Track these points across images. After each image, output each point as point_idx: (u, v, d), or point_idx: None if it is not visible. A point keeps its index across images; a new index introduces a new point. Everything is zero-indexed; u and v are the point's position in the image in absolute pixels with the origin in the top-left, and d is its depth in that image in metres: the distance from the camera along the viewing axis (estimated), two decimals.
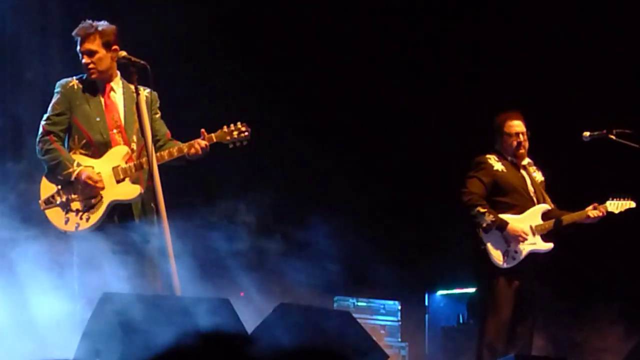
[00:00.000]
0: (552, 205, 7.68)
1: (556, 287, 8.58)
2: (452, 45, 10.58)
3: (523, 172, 7.72)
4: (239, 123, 6.60)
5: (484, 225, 7.37)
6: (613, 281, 9.54)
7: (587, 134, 7.80)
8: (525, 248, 7.43)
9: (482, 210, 7.40)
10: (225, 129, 6.56)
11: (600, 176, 8.88)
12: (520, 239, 7.40)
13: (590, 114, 8.57)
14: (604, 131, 7.77)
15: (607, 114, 8.16)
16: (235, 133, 6.56)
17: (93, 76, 6.42)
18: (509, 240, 7.41)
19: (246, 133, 6.57)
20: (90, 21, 6.43)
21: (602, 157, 8.44)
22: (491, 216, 7.39)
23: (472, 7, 10.58)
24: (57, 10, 8.67)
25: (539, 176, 7.81)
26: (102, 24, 6.42)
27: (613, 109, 8.83)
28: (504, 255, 7.40)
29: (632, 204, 7.80)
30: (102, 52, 6.39)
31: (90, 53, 6.38)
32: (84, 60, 6.40)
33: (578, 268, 9.62)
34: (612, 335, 8.70)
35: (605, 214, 7.67)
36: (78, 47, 6.42)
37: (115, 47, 6.39)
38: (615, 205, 7.74)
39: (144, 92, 6.51)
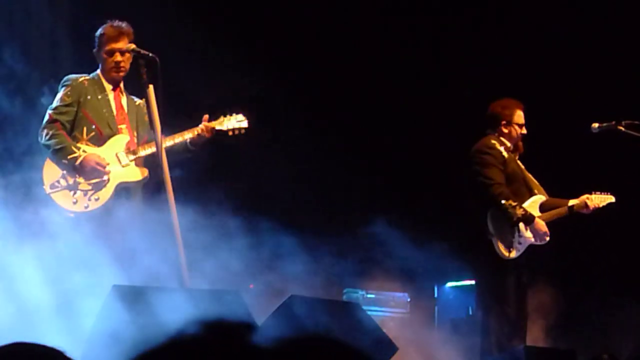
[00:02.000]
0: (546, 196, 7.66)
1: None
2: (459, 31, 10.56)
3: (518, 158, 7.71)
4: (234, 114, 6.90)
5: (514, 219, 7.30)
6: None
7: (595, 125, 7.77)
8: (529, 240, 7.43)
9: (513, 203, 7.32)
10: (222, 118, 6.85)
11: (589, 168, 8.90)
12: (544, 236, 7.39)
13: (593, 106, 8.58)
14: (613, 122, 7.74)
15: (612, 106, 8.17)
16: (234, 122, 6.88)
17: (121, 74, 6.61)
18: (533, 233, 7.38)
19: (244, 122, 6.88)
20: (118, 21, 6.59)
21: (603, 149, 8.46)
22: (521, 210, 7.32)
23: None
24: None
25: (521, 164, 7.76)
26: (128, 25, 6.59)
27: (621, 101, 8.82)
28: (511, 247, 7.38)
29: (612, 199, 7.80)
30: (129, 52, 6.52)
31: (122, 52, 6.54)
32: (114, 59, 6.56)
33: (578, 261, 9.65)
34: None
35: (599, 205, 7.69)
36: (106, 46, 6.55)
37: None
38: (599, 199, 7.74)
39: (142, 101, 6.74)
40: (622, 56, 9.79)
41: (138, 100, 6.76)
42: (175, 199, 6.09)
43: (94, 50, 6.67)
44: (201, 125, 6.75)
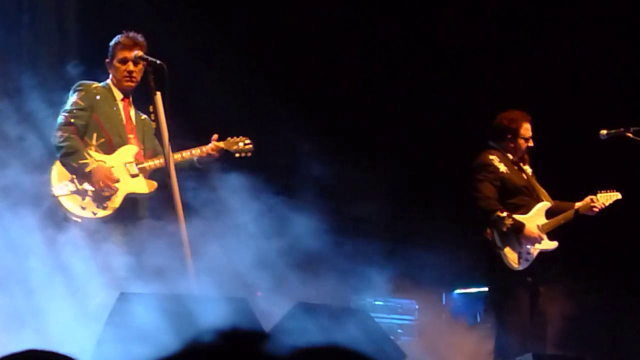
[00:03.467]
0: (550, 200, 7.67)
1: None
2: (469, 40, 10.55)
3: (520, 169, 7.71)
4: (241, 137, 7.01)
5: (504, 229, 7.34)
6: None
7: (604, 132, 7.78)
8: (536, 248, 7.44)
9: (500, 215, 7.37)
10: (230, 139, 6.93)
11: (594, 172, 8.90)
12: (538, 240, 7.40)
13: (601, 112, 8.57)
14: (622, 129, 7.75)
15: (620, 113, 8.17)
16: (240, 144, 6.96)
17: (132, 84, 6.63)
18: (525, 242, 7.40)
19: (250, 146, 6.98)
20: (133, 32, 6.63)
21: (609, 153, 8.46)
22: (510, 220, 7.36)
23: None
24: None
25: (528, 169, 7.77)
26: (142, 37, 6.64)
27: (630, 107, 8.81)
28: (519, 258, 7.40)
29: (618, 196, 7.81)
30: (142, 63, 6.54)
31: (136, 62, 6.56)
32: (126, 67, 6.58)
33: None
34: None
35: (605, 205, 7.69)
36: (120, 54, 6.58)
37: None
38: (605, 198, 7.75)
39: (143, 116, 6.78)
40: (632, 62, 9.77)
41: (143, 115, 6.79)
42: None
43: (107, 60, 6.69)
44: (211, 145, 6.80)
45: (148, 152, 6.71)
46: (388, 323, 9.81)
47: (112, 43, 6.66)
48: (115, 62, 6.62)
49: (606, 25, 9.98)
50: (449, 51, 10.50)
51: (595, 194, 7.75)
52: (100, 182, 6.40)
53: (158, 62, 6.37)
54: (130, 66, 6.57)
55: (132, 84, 6.64)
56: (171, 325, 4.97)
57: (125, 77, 6.60)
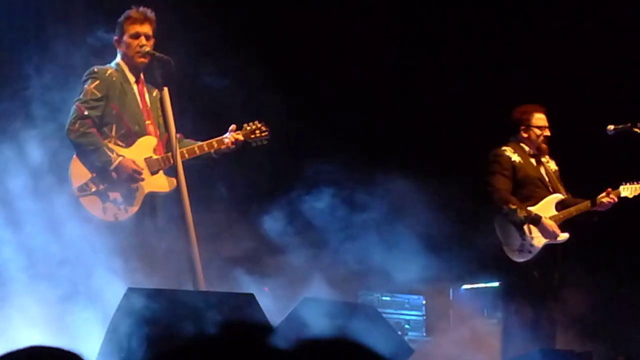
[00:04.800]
0: (566, 195, 7.67)
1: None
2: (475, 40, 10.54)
3: (538, 162, 7.73)
4: (257, 122, 6.73)
5: (518, 222, 7.37)
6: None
7: (611, 127, 7.79)
8: (540, 241, 7.44)
9: (513, 207, 7.39)
10: (246, 127, 6.67)
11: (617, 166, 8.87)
12: (554, 233, 7.41)
13: (611, 107, 8.55)
14: (629, 124, 7.75)
15: (630, 108, 8.15)
16: (257, 132, 6.69)
17: (145, 60, 6.36)
18: (544, 233, 7.40)
19: (266, 133, 6.71)
20: (142, 7, 6.40)
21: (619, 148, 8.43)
22: (523, 212, 7.38)
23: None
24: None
25: (552, 165, 7.81)
26: (152, 12, 6.40)
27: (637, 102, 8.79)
28: (517, 250, 7.43)
29: None
30: (152, 39, 6.40)
31: (148, 37, 6.36)
32: (139, 42, 6.33)
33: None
34: None
35: (616, 200, 7.64)
36: (131, 29, 6.34)
37: None
38: (629, 190, 7.72)
39: (154, 92, 6.53)
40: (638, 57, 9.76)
41: (155, 91, 6.48)
42: None
43: (115, 38, 6.42)
44: (229, 137, 6.55)
45: (163, 136, 6.43)
46: (395, 319, 9.82)
47: (120, 19, 6.40)
48: (126, 38, 6.36)
49: (612, 22, 9.96)
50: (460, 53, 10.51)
51: (617, 187, 7.72)
52: (128, 177, 6.17)
53: (165, 57, 6.22)
54: (143, 40, 6.31)
55: (145, 60, 6.36)
56: (177, 321, 4.97)
57: (138, 52, 6.33)
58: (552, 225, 7.43)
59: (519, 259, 7.42)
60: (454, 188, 9.47)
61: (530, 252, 7.43)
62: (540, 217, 7.43)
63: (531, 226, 7.42)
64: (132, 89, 6.41)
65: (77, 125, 6.21)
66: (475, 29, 10.53)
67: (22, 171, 6.37)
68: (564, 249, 7.56)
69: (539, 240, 7.44)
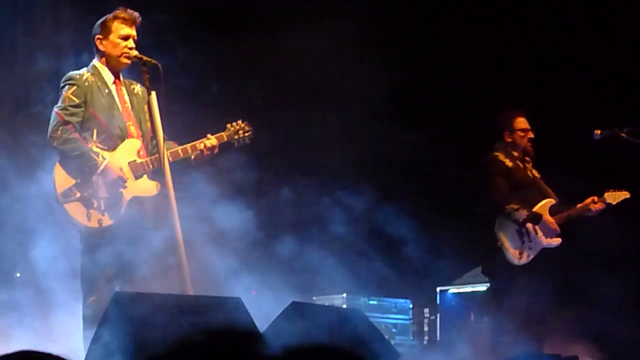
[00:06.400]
0: (557, 200, 7.79)
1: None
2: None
3: (525, 166, 7.82)
4: (240, 122, 6.64)
5: (520, 221, 7.46)
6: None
7: (598, 132, 7.86)
8: (540, 242, 7.55)
9: (514, 207, 7.51)
10: (230, 127, 6.58)
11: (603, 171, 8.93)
12: (554, 232, 7.51)
13: (596, 112, 8.60)
14: (615, 129, 7.81)
15: (614, 112, 8.19)
16: (240, 132, 6.60)
17: (129, 62, 6.30)
18: (544, 232, 7.49)
19: (249, 133, 6.62)
20: (129, 9, 6.36)
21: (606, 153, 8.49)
22: (524, 211, 7.50)
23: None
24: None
25: (535, 172, 7.93)
26: (138, 15, 6.38)
27: (623, 107, 8.83)
28: (520, 253, 7.49)
29: (627, 194, 7.90)
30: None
31: (135, 40, 6.34)
32: (127, 44, 6.29)
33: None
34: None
35: (605, 206, 7.77)
36: (121, 30, 6.29)
37: None
38: (613, 197, 7.83)
39: (137, 86, 6.49)
40: (625, 62, 9.79)
41: (134, 86, 6.47)
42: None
43: (98, 36, 6.34)
44: (206, 142, 6.43)
45: (147, 135, 6.38)
46: (383, 322, 9.83)
47: (106, 18, 6.33)
48: (114, 38, 6.29)
49: (600, 25, 10.00)
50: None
51: (601, 195, 7.84)
52: (113, 182, 6.14)
53: (153, 61, 6.14)
54: (132, 43, 6.28)
55: (129, 62, 6.31)
56: (166, 325, 4.96)
57: (125, 54, 6.28)
58: (553, 223, 7.58)
59: (518, 260, 7.48)
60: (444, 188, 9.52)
61: (529, 255, 7.52)
62: (541, 215, 7.58)
63: (532, 227, 7.50)
64: (110, 90, 6.35)
65: (59, 132, 6.14)
66: (457, 37, 10.55)
67: None
68: (554, 255, 7.62)
69: (539, 240, 7.49)
